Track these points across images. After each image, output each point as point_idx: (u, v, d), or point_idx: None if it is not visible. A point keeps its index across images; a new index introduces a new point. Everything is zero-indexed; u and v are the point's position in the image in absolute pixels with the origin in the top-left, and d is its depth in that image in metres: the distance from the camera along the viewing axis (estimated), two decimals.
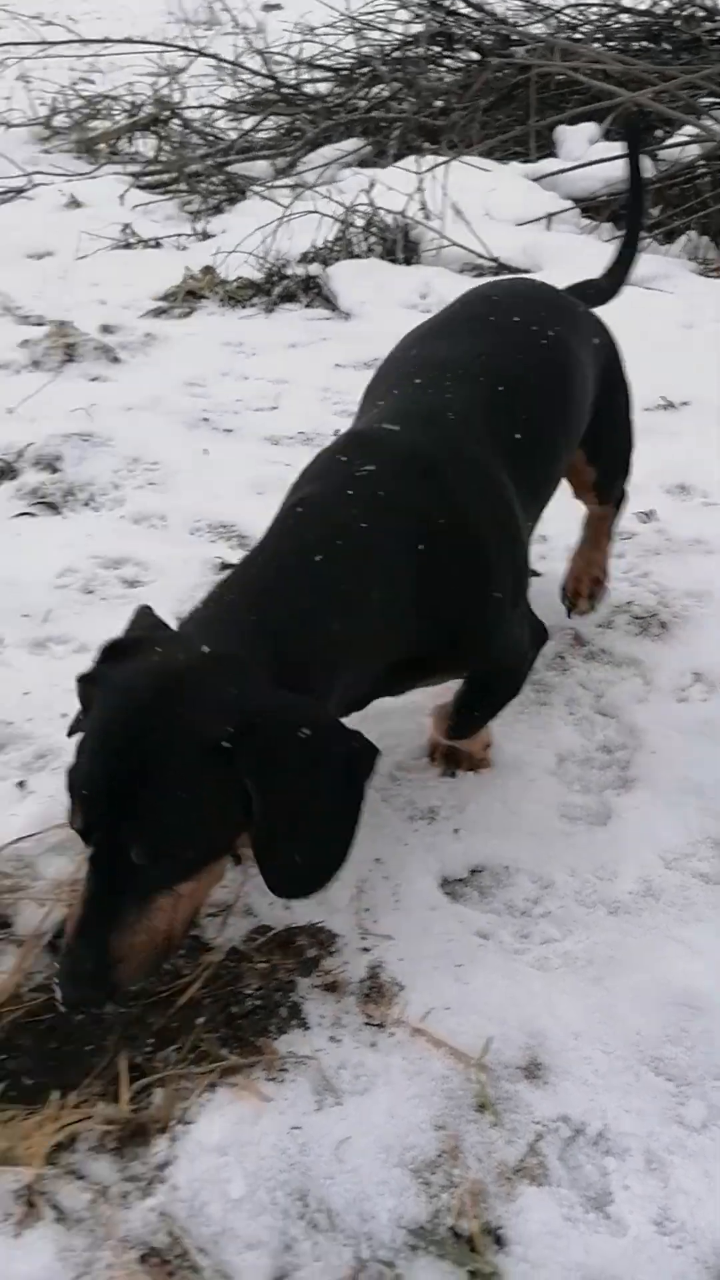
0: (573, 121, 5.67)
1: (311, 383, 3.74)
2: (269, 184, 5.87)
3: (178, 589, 2.45)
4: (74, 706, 2.01)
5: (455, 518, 1.57)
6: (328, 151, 6.22)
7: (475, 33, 6.72)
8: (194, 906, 1.34)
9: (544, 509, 1.94)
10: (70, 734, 1.53)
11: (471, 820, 1.80)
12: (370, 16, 7.06)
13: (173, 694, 1.28)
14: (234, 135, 6.71)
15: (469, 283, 4.64)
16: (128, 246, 5.19)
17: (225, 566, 2.54)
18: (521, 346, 1.87)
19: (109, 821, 1.24)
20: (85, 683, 1.40)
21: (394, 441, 1.61)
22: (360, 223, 4.73)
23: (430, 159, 5.00)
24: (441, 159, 4.90)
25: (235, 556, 2.58)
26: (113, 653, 1.40)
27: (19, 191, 6.10)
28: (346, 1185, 1.22)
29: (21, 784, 1.81)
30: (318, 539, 1.47)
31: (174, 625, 1.49)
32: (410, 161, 5.12)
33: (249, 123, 6.78)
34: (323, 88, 6.99)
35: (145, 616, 1.53)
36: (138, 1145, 1.20)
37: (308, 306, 4.46)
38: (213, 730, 1.24)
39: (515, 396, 1.77)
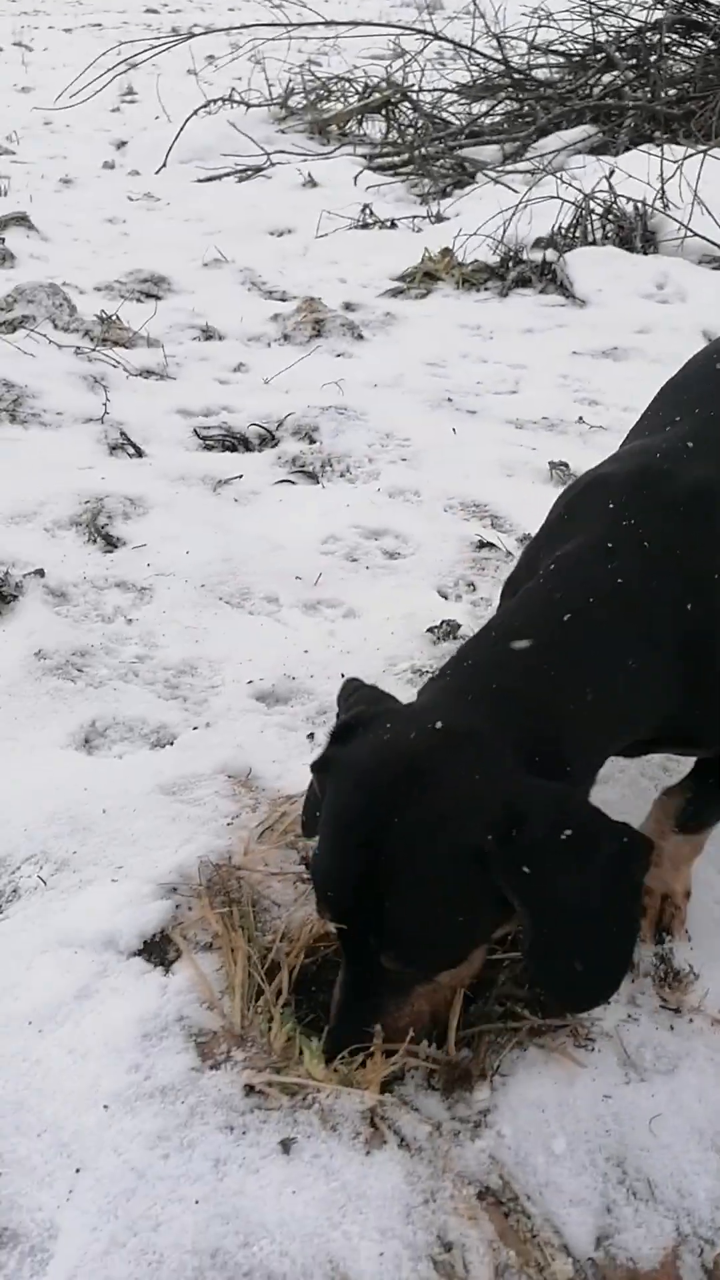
0: None
1: (550, 369, 3.73)
2: (500, 169, 5.86)
3: (437, 564, 2.50)
4: (349, 669, 2.10)
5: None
6: (557, 139, 6.16)
7: (716, 20, 6.53)
8: (457, 984, 1.27)
9: None
10: (304, 828, 1.47)
11: None
12: (610, 2, 6.93)
13: (416, 786, 1.14)
14: (463, 120, 6.72)
15: (706, 274, 4.55)
16: (365, 227, 5.29)
17: (483, 545, 2.56)
18: None
19: (356, 926, 1.15)
20: (319, 770, 1.27)
21: (669, 482, 1.42)
22: (599, 210, 4.67)
23: (673, 149, 4.89)
24: (691, 151, 4.78)
25: (490, 536, 2.60)
26: (345, 734, 1.26)
27: (258, 170, 6.29)
28: (663, 1160, 1.23)
29: (311, 736, 1.88)
30: (572, 599, 1.31)
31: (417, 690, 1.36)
32: (644, 151, 5.03)
33: (480, 107, 6.78)
34: (555, 74, 6.92)
35: (357, 688, 1.40)
36: (462, 1088, 1.24)
37: (542, 292, 4.44)
38: (466, 831, 1.11)
39: None
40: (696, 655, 1.34)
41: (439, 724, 1.19)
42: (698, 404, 1.61)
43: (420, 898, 1.13)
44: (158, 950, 1.39)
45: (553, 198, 4.63)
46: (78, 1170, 1.12)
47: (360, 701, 1.34)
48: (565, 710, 1.25)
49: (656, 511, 1.38)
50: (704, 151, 4.54)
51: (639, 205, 4.59)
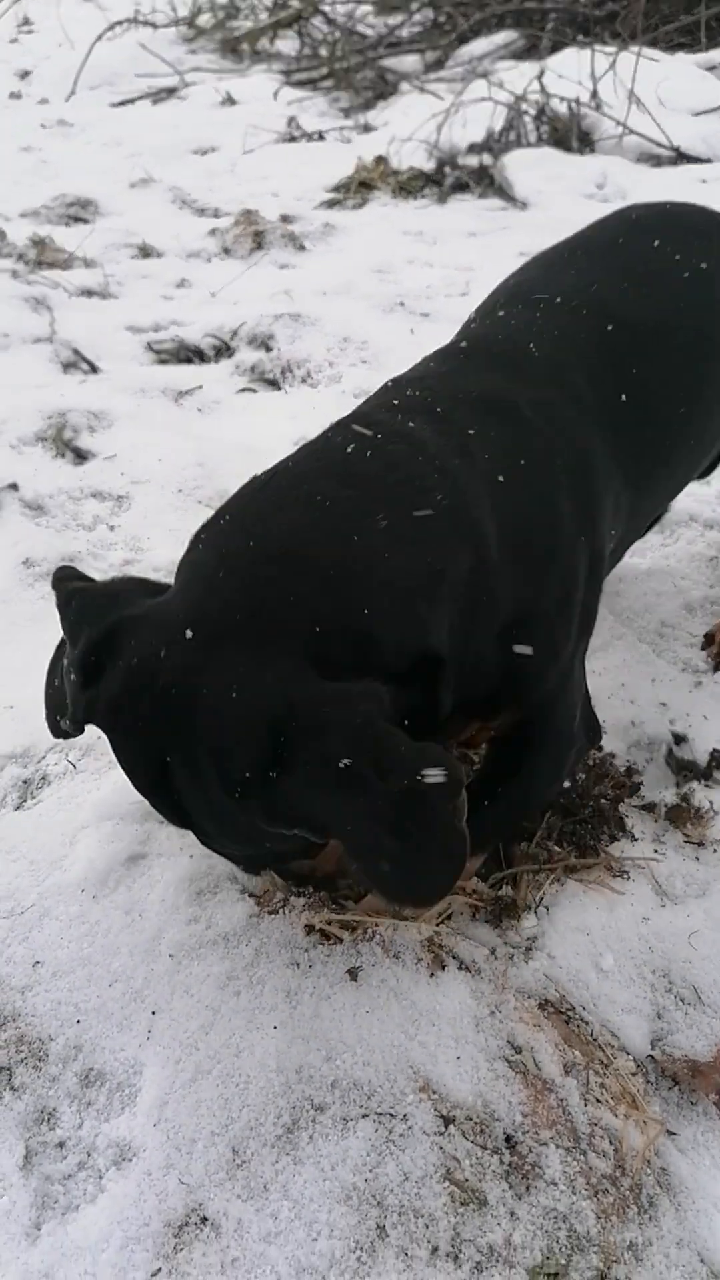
0: None
1: (498, 269, 3.68)
2: (424, 79, 5.76)
3: None
4: None
5: (517, 485, 1.16)
6: (480, 43, 6.07)
7: None
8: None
9: (655, 511, 1.54)
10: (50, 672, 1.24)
11: None
12: None
13: (179, 718, 0.95)
14: (379, 30, 6.57)
15: (648, 172, 4.55)
16: (292, 140, 5.18)
17: None
18: (652, 279, 1.44)
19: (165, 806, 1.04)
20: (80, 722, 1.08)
21: (451, 381, 1.25)
22: (532, 112, 4.63)
23: (604, 49, 4.85)
24: (622, 50, 4.74)
25: None
26: (91, 672, 1.04)
27: (172, 91, 6.09)
28: (705, 969, 1.29)
29: None
30: (351, 473, 1.08)
31: None
32: (572, 53, 4.99)
33: (397, 18, 6.63)
34: None
35: (74, 591, 1.15)
36: (510, 918, 1.29)
37: (481, 197, 4.40)
38: (233, 767, 0.93)
39: (629, 342, 1.35)
40: (471, 577, 1.11)
41: (188, 633, 0.98)
42: (500, 308, 1.46)
43: (215, 829, 1.03)
44: None
45: (484, 99, 4.58)
46: (153, 1013, 1.15)
47: (86, 612, 1.08)
48: (354, 571, 1.00)
49: (440, 404, 1.20)
50: (636, 53, 4.51)
51: (573, 105, 4.56)
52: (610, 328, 1.35)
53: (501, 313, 1.43)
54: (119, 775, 1.47)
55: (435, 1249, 0.96)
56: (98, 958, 1.20)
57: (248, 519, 1.07)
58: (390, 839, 0.91)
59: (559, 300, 1.39)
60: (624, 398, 1.33)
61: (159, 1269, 0.95)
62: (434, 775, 0.92)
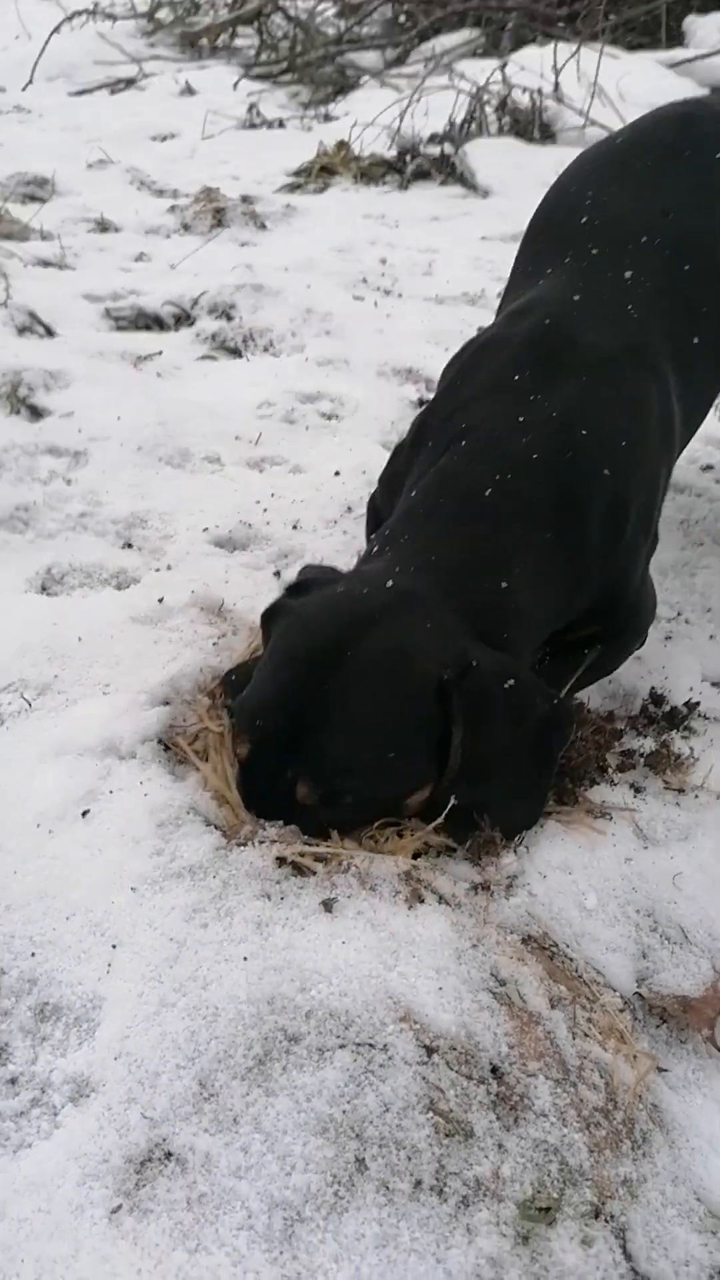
0: (703, 10, 5.51)
1: (462, 252, 3.70)
2: (384, 74, 5.76)
3: (379, 422, 2.45)
4: (305, 515, 2.05)
5: (616, 440, 1.39)
6: (441, 42, 6.09)
7: None
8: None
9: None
10: (230, 684, 1.40)
11: None
12: None
13: (374, 626, 1.18)
14: (339, 27, 6.57)
15: None
16: (253, 127, 5.13)
17: (424, 402, 2.53)
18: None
19: (276, 756, 1.16)
20: (269, 619, 1.29)
21: (567, 348, 1.42)
22: (493, 103, 4.63)
23: (560, 46, 4.88)
24: (584, 46, 4.77)
25: (429, 397, 2.57)
26: (297, 590, 1.29)
27: (131, 81, 6.02)
28: (691, 910, 1.25)
29: (277, 574, 1.83)
30: (490, 475, 1.32)
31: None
32: (534, 50, 5.01)
33: (355, 16, 6.63)
34: None
35: (315, 568, 1.41)
36: (489, 855, 1.23)
37: (442, 184, 4.39)
38: (425, 665, 1.15)
39: (703, 281, 1.50)
40: (613, 523, 1.37)
41: (390, 583, 1.23)
42: (567, 246, 1.55)
43: (367, 722, 1.14)
44: (160, 753, 1.33)
45: (447, 87, 4.57)
46: (114, 946, 1.07)
47: (310, 571, 1.37)
48: (498, 587, 1.28)
49: (562, 380, 1.39)
50: (599, 49, 4.53)
51: (535, 96, 4.57)
52: (688, 267, 1.48)
53: (594, 250, 1.52)
54: (79, 712, 1.40)
55: (419, 1182, 0.89)
56: (55, 891, 1.12)
57: (419, 529, 1.34)
58: (514, 769, 1.22)
59: (631, 239, 1.50)
60: (695, 341, 1.49)
61: (119, 1205, 0.87)
62: (566, 705, 1.26)
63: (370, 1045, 0.97)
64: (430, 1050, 0.97)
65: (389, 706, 1.16)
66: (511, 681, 1.21)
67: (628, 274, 1.49)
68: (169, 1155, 0.91)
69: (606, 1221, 0.91)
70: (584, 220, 1.57)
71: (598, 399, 1.40)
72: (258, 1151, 0.90)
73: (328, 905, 1.11)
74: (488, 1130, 0.93)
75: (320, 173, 4.42)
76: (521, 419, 1.36)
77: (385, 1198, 0.88)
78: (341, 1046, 0.97)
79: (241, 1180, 0.89)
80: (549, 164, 4.42)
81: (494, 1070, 0.98)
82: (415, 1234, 0.87)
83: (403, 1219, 0.88)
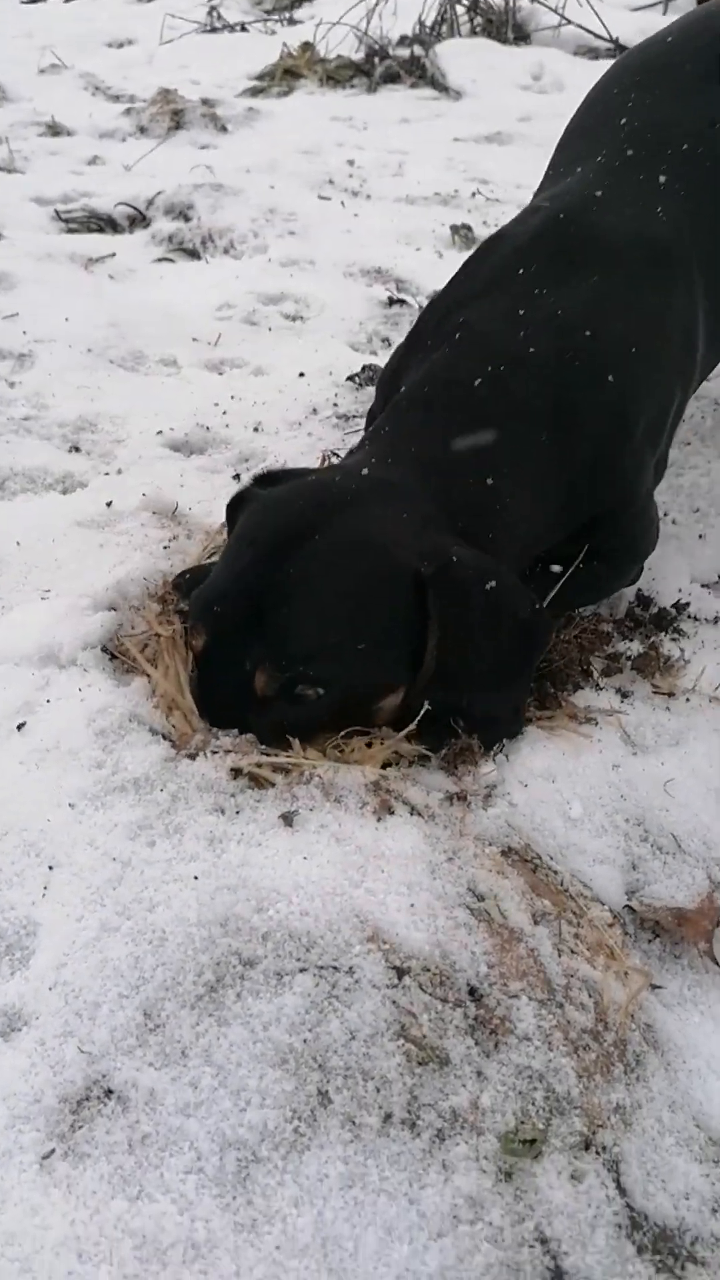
0: None
1: (433, 153, 3.51)
2: None
3: (345, 324, 2.30)
4: (267, 417, 1.91)
5: (631, 342, 1.29)
6: None
7: None
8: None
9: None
10: (183, 584, 1.30)
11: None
12: None
13: (347, 510, 1.09)
14: None
15: (586, 65, 4.34)
16: (213, 31, 4.86)
17: (394, 302, 2.38)
18: None
19: (235, 644, 1.05)
20: (235, 507, 1.20)
21: (580, 241, 1.32)
22: (465, 3, 4.39)
23: None
24: None
25: (400, 297, 2.42)
26: (265, 480, 1.22)
27: None
28: (684, 817, 1.15)
29: (237, 477, 1.70)
30: (482, 370, 1.22)
31: None
32: None
33: None
34: None
35: (281, 471, 1.30)
36: (466, 764, 1.13)
37: (412, 87, 4.17)
38: (402, 555, 1.06)
39: None
40: (615, 431, 1.27)
41: (366, 472, 1.16)
42: (601, 147, 1.45)
43: (334, 606, 1.05)
44: (105, 661, 1.21)
45: None
46: (50, 868, 0.96)
47: (275, 472, 1.27)
48: (483, 484, 1.18)
49: (570, 275, 1.28)
50: None
51: None
52: None
53: (629, 151, 1.42)
54: (15, 619, 1.27)
55: (388, 1116, 0.80)
56: None
57: (406, 426, 1.24)
58: (491, 676, 1.12)
59: (671, 145, 1.40)
60: None
61: (52, 1150, 0.77)
62: (545, 613, 1.16)
63: (334, 968, 0.87)
64: (401, 972, 0.87)
65: (359, 591, 1.06)
66: (493, 583, 1.11)
67: (662, 178, 1.38)
68: (109, 1093, 0.81)
69: (598, 1154, 0.82)
70: (623, 121, 1.46)
71: (609, 299, 1.29)
72: (208, 1086, 0.81)
73: (287, 819, 1.00)
74: (465, 1057, 0.84)
75: (284, 76, 4.19)
76: (521, 313, 1.26)
77: (351, 1134, 0.79)
78: (302, 970, 0.87)
79: (190, 1119, 0.79)
80: (523, 66, 4.21)
81: (472, 992, 0.88)
82: (385, 1173, 0.78)
83: (371, 1156, 0.78)
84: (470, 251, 1.47)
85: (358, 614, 1.05)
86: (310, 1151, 0.78)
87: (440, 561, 1.07)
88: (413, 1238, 0.75)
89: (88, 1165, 0.77)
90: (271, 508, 1.13)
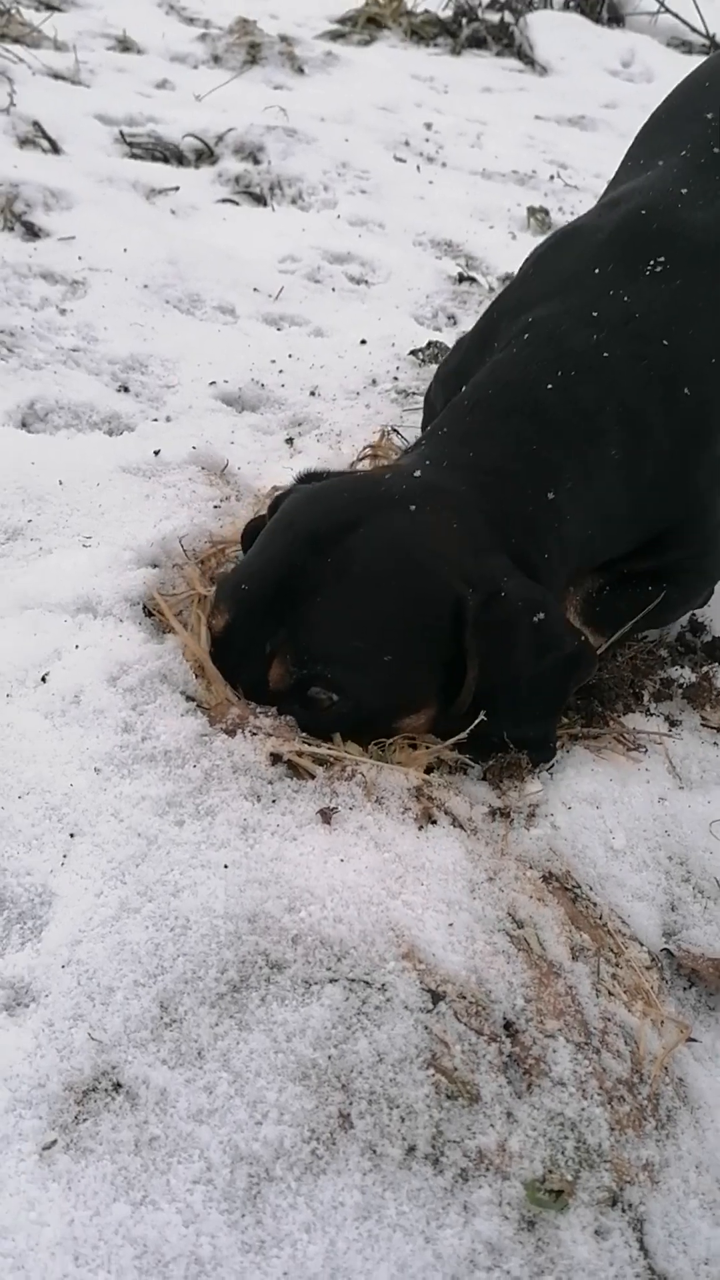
0: None
1: (513, 128, 3.40)
2: None
3: (412, 294, 2.22)
4: (325, 383, 1.84)
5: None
6: None
7: None
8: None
9: None
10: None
11: None
12: None
13: (403, 508, 1.03)
14: None
15: (676, 58, 4.23)
16: None
17: (464, 279, 2.30)
18: None
19: (258, 629, 0.99)
20: (277, 502, 1.14)
21: (663, 240, 1.25)
22: None
23: None
24: None
25: (470, 274, 2.34)
26: (312, 480, 1.16)
27: None
28: None
29: (290, 441, 1.63)
30: (548, 373, 1.16)
31: None
32: None
33: None
34: None
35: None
36: (512, 778, 1.08)
37: (498, 55, 4.04)
38: (447, 574, 1.00)
39: None
40: (690, 448, 1.20)
41: (418, 474, 1.10)
42: (686, 141, 1.38)
43: (364, 607, 0.98)
44: (142, 618, 1.15)
45: None
46: (71, 835, 0.90)
47: (320, 472, 1.22)
48: (542, 498, 1.11)
49: (649, 277, 1.21)
50: None
51: None
52: None
53: (684, 151, 1.37)
54: (53, 563, 1.21)
55: (412, 1148, 0.75)
56: (8, 764, 0.95)
57: (464, 433, 1.17)
58: (531, 702, 1.07)
59: None
60: None
61: (54, 1141, 0.73)
62: (589, 647, 1.10)
63: (366, 983, 0.82)
64: (436, 996, 0.83)
65: (394, 602, 0.99)
66: (540, 616, 1.04)
67: None
68: (117, 1086, 0.76)
69: (624, 1211, 0.78)
70: (710, 116, 1.39)
71: (690, 303, 1.22)
72: (224, 1094, 0.76)
73: (326, 815, 0.95)
74: (496, 1096, 0.79)
75: (367, 24, 4.06)
76: (595, 315, 1.20)
77: (371, 1162, 0.74)
78: (332, 981, 0.82)
79: (202, 1125, 0.74)
80: (614, 49, 4.09)
81: (507, 1026, 0.83)
82: (403, 1207, 0.73)
83: (390, 1189, 0.74)
84: (543, 238, 1.40)
85: (389, 625, 0.99)
86: (327, 1176, 0.73)
87: (487, 591, 1.01)
88: (426, 1279, 0.71)
89: (90, 1162, 0.73)
90: (315, 496, 1.07)
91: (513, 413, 1.16)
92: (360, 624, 0.98)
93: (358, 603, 0.98)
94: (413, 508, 1.04)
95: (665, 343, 1.19)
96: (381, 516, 1.02)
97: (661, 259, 1.23)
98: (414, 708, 1.03)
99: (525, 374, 1.18)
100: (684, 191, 1.29)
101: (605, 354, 1.17)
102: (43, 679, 1.05)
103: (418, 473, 1.10)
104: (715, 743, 1.28)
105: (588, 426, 1.15)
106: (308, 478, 1.18)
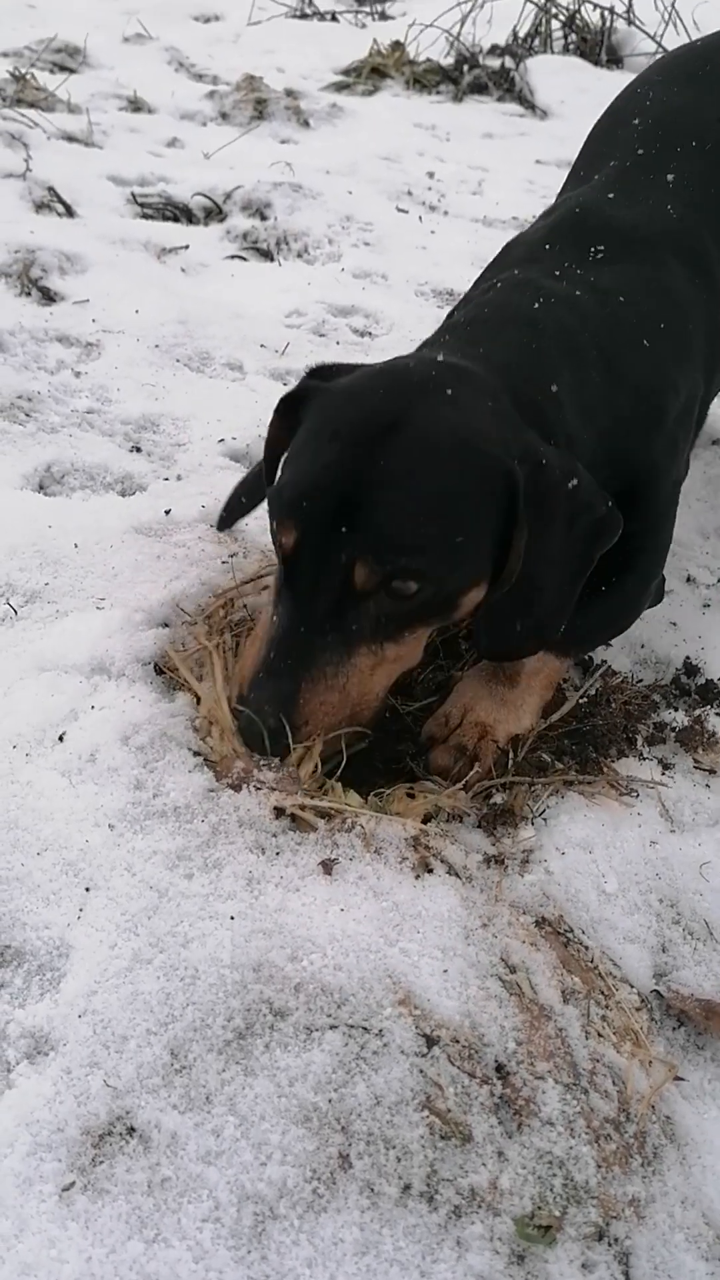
0: None
1: (514, 174, 3.49)
2: None
3: (415, 344, 2.29)
4: None
5: (656, 331, 1.34)
6: None
7: None
8: (389, 678, 1.12)
9: None
10: (222, 521, 1.43)
11: None
12: None
13: (433, 397, 1.06)
14: None
15: None
16: (304, 17, 4.84)
17: None
18: None
19: (330, 537, 1.01)
20: (291, 404, 1.15)
21: (591, 233, 1.39)
22: (562, 18, 4.36)
23: None
24: None
25: None
26: (321, 373, 1.18)
27: None
28: (717, 903, 1.15)
29: None
30: (531, 302, 1.27)
31: None
32: None
33: None
34: None
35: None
36: (505, 825, 1.13)
37: (499, 100, 4.14)
38: (498, 451, 1.04)
39: None
40: (655, 398, 1.32)
41: (440, 358, 1.15)
42: (614, 150, 1.51)
43: (432, 496, 1.02)
44: (153, 677, 1.21)
45: None
46: (87, 889, 0.96)
47: (327, 366, 1.24)
48: (548, 389, 1.21)
49: (594, 257, 1.35)
50: None
51: (606, 14, 4.30)
52: None
53: (640, 151, 1.50)
54: (69, 626, 1.27)
55: (407, 1187, 0.80)
56: (26, 821, 1.01)
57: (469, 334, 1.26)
58: (557, 574, 1.13)
59: (679, 143, 1.47)
60: None
61: (72, 1183, 0.78)
62: (615, 511, 1.15)
63: (364, 1029, 0.87)
64: (430, 1040, 0.88)
65: (455, 486, 1.03)
66: (575, 481, 1.11)
67: (670, 176, 1.45)
68: (131, 1131, 0.81)
69: (610, 1245, 0.82)
70: (636, 122, 1.53)
71: (636, 277, 1.35)
72: (231, 1136, 0.81)
73: (327, 866, 1.00)
74: (488, 1136, 0.84)
75: (371, 74, 4.17)
76: (558, 274, 1.32)
77: (369, 1200, 0.79)
78: (332, 1027, 0.87)
79: (211, 1167, 0.80)
80: (613, 90, 4.17)
81: (499, 1069, 0.88)
82: (400, 1243, 0.78)
83: (387, 1225, 0.78)
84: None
85: (454, 508, 1.04)
86: (327, 1214, 0.78)
87: (533, 461, 1.07)
88: None
89: (106, 1202, 0.78)
90: (349, 397, 1.09)
91: (509, 324, 1.26)
92: (430, 512, 1.03)
93: (423, 493, 1.03)
94: (449, 391, 1.08)
95: (621, 300, 1.31)
96: (424, 405, 1.06)
97: (601, 247, 1.37)
98: (480, 580, 1.09)
99: (511, 300, 1.29)
100: (610, 196, 1.44)
101: (577, 293, 1.30)
102: (60, 738, 1.11)
103: (440, 357, 1.15)
104: (708, 785, 1.32)
105: (573, 342, 1.26)
106: (317, 372, 1.21)
